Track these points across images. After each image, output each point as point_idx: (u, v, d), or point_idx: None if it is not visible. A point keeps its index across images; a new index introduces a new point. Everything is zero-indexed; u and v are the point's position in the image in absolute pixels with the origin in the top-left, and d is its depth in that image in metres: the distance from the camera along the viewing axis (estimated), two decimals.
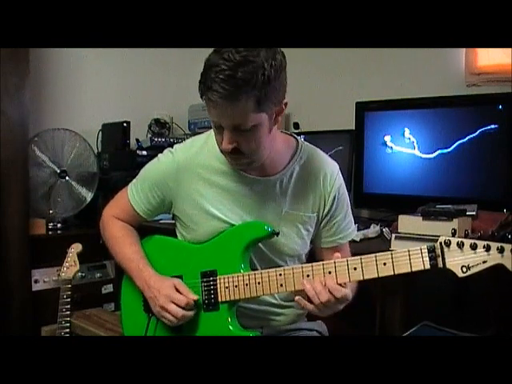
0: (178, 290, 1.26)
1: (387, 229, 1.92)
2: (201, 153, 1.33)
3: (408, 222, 1.72)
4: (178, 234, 1.42)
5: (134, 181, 1.42)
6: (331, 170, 1.35)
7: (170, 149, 1.37)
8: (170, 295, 1.25)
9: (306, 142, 1.38)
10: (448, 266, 1.04)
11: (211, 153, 1.32)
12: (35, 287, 2.34)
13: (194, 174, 1.32)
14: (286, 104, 1.22)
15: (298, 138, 1.39)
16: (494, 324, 1.93)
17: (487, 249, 0.99)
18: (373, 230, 1.94)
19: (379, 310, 1.79)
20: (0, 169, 2.14)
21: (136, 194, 1.39)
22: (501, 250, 0.98)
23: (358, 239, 1.83)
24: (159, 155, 1.39)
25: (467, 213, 1.68)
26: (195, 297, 1.26)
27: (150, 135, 2.85)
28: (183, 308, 1.24)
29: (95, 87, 2.88)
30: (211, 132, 1.34)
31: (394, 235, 1.72)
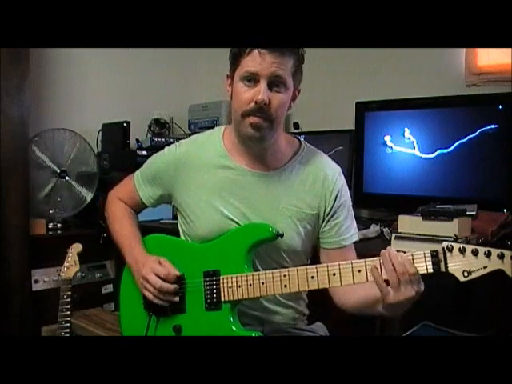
0: (161, 265, 1.31)
1: (387, 229, 1.92)
2: (203, 147, 1.39)
3: (408, 222, 1.72)
4: (179, 228, 1.45)
5: (141, 168, 1.50)
6: (332, 172, 1.36)
7: (176, 143, 1.45)
8: (152, 267, 1.30)
9: (308, 144, 1.41)
10: (450, 270, 1.06)
11: (213, 148, 1.37)
12: (35, 287, 2.34)
13: (194, 166, 1.37)
14: (299, 91, 1.32)
15: (302, 140, 1.41)
16: (494, 324, 1.93)
17: (488, 255, 1.02)
18: (373, 230, 1.94)
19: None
20: (0, 169, 2.13)
21: (141, 182, 1.47)
22: (501, 256, 1.01)
23: (358, 239, 1.83)
24: (166, 148, 1.46)
25: (467, 213, 1.68)
26: (177, 272, 1.30)
27: (150, 135, 2.85)
28: (163, 279, 1.28)
29: (95, 87, 2.88)
30: (215, 130, 1.43)
31: (393, 235, 1.72)
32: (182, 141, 1.44)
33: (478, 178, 1.96)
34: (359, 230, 1.90)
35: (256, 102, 1.21)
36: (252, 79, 1.22)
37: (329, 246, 1.37)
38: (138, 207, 1.51)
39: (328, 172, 1.35)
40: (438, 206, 1.72)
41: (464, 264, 1.04)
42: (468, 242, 1.05)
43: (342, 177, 1.38)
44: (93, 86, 2.87)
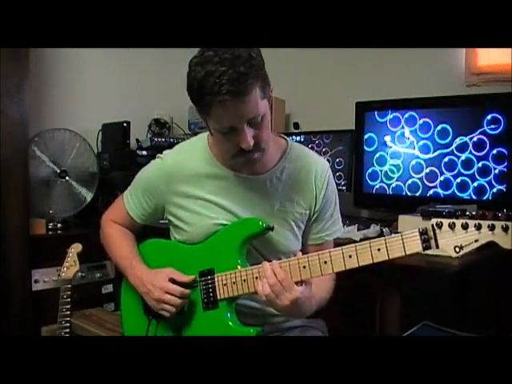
0: (172, 280, 1.28)
1: (387, 229, 1.91)
2: (190, 157, 1.36)
3: (408, 222, 1.71)
4: (172, 239, 1.43)
5: (129, 187, 1.46)
6: (321, 168, 1.37)
7: (159, 155, 1.41)
8: (164, 287, 1.27)
9: (294, 142, 1.41)
10: (441, 246, 1.04)
11: (201, 157, 1.35)
12: (35, 287, 2.34)
13: (183, 178, 1.35)
14: (271, 90, 1.24)
15: (288, 138, 1.40)
16: (494, 324, 1.93)
17: (478, 227, 1.00)
18: (373, 230, 1.94)
19: (379, 310, 1.79)
20: (0, 169, 2.13)
21: (130, 200, 1.44)
22: (491, 228, 0.98)
23: (357, 239, 1.83)
24: (151, 162, 1.43)
25: (467, 213, 1.68)
26: (191, 277, 1.29)
27: (150, 135, 2.85)
28: (179, 297, 1.27)
29: (95, 87, 2.88)
30: (199, 136, 1.40)
31: (393, 235, 1.72)
32: (165, 152, 1.40)
33: (478, 178, 1.95)
34: (359, 230, 1.92)
35: (242, 149, 1.19)
36: (230, 131, 1.17)
37: (313, 242, 1.38)
38: (131, 227, 1.47)
39: (318, 169, 1.36)
40: (437, 206, 1.72)
41: (455, 239, 1.02)
42: (458, 217, 1.04)
43: (331, 172, 1.39)
44: (93, 86, 2.87)
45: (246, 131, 1.16)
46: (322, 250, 1.22)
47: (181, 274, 1.30)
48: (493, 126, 1.91)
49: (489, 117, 1.92)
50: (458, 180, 2.01)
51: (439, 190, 2.06)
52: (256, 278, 1.22)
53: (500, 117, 1.89)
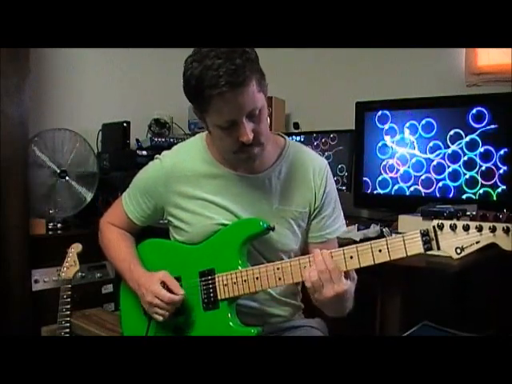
0: (165, 285, 1.27)
1: (387, 229, 1.91)
2: (188, 157, 1.37)
3: (408, 222, 1.72)
4: (171, 239, 1.43)
5: (128, 189, 1.46)
6: (320, 165, 1.37)
7: (157, 156, 1.41)
8: (155, 291, 1.27)
9: (292, 141, 1.41)
10: (442, 248, 1.04)
11: (199, 157, 1.35)
12: (35, 287, 2.33)
13: (182, 178, 1.35)
14: (267, 86, 1.25)
15: (286, 136, 1.41)
16: (494, 324, 1.93)
17: (479, 229, 1.00)
18: (373, 230, 1.94)
19: (379, 309, 1.79)
20: (0, 169, 2.13)
21: (129, 202, 1.43)
22: (493, 230, 0.99)
23: (357, 239, 1.83)
24: (149, 163, 1.43)
25: (467, 213, 1.68)
26: (181, 291, 1.27)
27: (150, 135, 2.85)
28: (168, 303, 1.26)
29: (95, 87, 2.88)
30: (197, 137, 1.40)
31: (393, 235, 1.72)
32: (164, 153, 1.40)
33: (478, 177, 1.96)
34: (359, 230, 1.92)
35: (243, 143, 1.19)
36: (229, 125, 1.18)
37: (315, 240, 1.38)
38: (130, 229, 1.46)
39: (316, 166, 1.36)
40: (437, 206, 1.72)
41: (456, 241, 1.03)
42: (459, 219, 1.04)
43: (329, 170, 1.39)
44: (93, 86, 2.87)
45: (246, 124, 1.17)
46: (325, 249, 1.22)
47: (173, 280, 1.29)
48: (492, 126, 1.91)
49: (489, 116, 1.92)
50: (458, 180, 2.01)
51: (439, 190, 2.06)
52: (257, 278, 1.22)
53: (499, 117, 1.90)
